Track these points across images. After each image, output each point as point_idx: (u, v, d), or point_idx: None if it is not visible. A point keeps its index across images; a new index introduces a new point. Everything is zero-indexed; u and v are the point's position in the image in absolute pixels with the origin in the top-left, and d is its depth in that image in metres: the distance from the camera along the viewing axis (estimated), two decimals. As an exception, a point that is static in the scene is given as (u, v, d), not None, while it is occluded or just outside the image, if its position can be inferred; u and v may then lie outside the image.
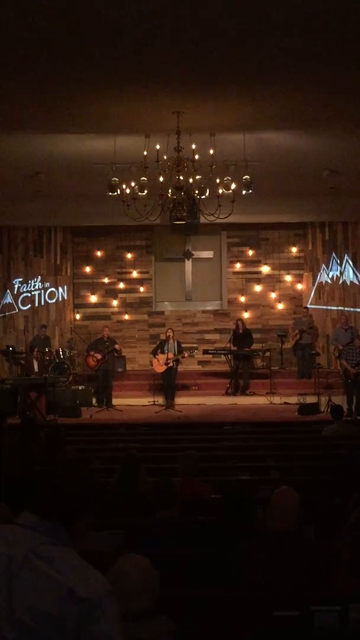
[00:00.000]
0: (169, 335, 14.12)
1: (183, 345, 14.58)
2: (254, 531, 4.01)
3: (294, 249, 16.63)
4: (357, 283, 15.92)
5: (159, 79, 7.85)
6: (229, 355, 15.11)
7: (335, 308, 16.02)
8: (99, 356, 14.15)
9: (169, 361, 13.86)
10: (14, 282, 16.07)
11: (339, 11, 6.08)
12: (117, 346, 14.16)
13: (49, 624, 1.81)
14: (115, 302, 16.61)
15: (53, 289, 16.25)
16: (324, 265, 16.24)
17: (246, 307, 16.55)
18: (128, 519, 4.75)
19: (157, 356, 14.08)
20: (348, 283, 15.96)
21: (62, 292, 16.31)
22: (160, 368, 13.99)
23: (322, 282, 16.29)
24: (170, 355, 13.89)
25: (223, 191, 9.33)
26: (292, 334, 15.49)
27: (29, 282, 16.14)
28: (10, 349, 15.06)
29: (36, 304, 16.17)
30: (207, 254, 16.60)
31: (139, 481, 5.53)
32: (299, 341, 15.30)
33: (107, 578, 2.04)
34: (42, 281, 16.20)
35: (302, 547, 3.80)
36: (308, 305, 16.27)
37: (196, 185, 9.36)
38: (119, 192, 9.93)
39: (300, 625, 3.23)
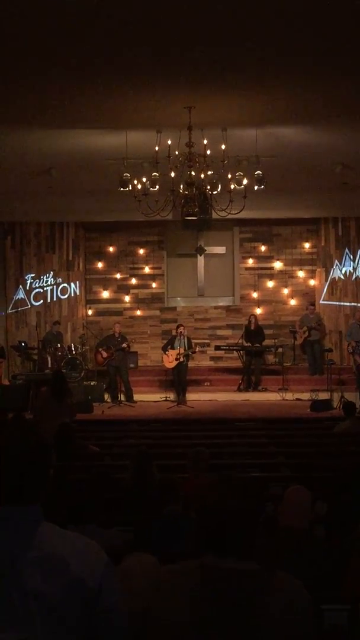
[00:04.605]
0: (180, 331, 14.12)
1: (195, 341, 14.57)
2: (264, 528, 3.99)
3: (307, 245, 16.55)
4: (370, 279, 15.84)
5: (171, 74, 7.82)
6: (241, 351, 15.07)
7: (348, 304, 15.93)
8: (105, 353, 14.17)
9: (179, 357, 13.85)
10: (26, 277, 16.09)
11: (353, 6, 6.03)
12: (124, 345, 14.11)
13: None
14: (127, 298, 16.60)
15: (65, 285, 16.27)
16: (336, 261, 16.15)
17: (258, 302, 16.50)
18: (138, 516, 4.74)
19: (167, 352, 14.08)
20: (361, 279, 15.87)
21: (74, 288, 16.33)
22: (170, 364, 13.99)
23: (334, 277, 16.20)
24: (181, 350, 13.88)
25: (235, 186, 9.30)
26: (299, 331, 15.42)
27: (41, 277, 16.16)
28: (23, 344, 15.12)
29: (48, 300, 16.20)
30: (220, 250, 16.56)
31: (150, 479, 5.52)
32: (308, 338, 15.25)
33: None
34: (54, 277, 16.22)
35: (312, 545, 3.78)
36: (321, 301, 16.21)
37: (208, 180, 9.34)
38: (130, 188, 9.92)
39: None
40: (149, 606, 1.86)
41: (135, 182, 9.64)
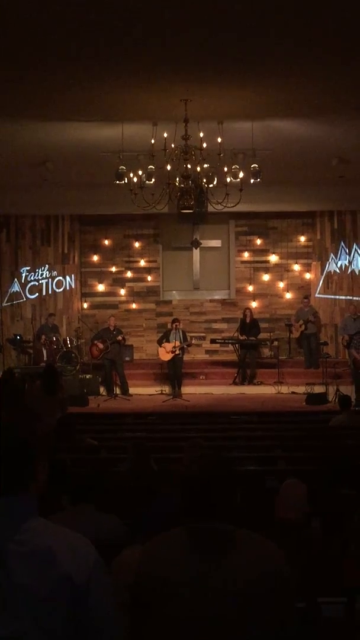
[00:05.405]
0: (175, 325, 14.12)
1: (190, 334, 14.59)
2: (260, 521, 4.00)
3: (303, 238, 16.54)
4: (366, 272, 15.85)
5: (167, 66, 7.80)
6: (237, 345, 15.08)
7: (343, 297, 15.95)
8: (101, 345, 14.17)
9: (175, 349, 13.86)
10: (21, 270, 16.06)
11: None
12: (119, 338, 14.12)
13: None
14: (122, 291, 16.58)
15: (60, 278, 16.24)
16: (332, 255, 16.15)
17: (254, 296, 16.50)
18: (136, 509, 4.74)
19: (162, 345, 14.09)
20: (357, 272, 15.86)
21: (69, 281, 16.30)
22: (166, 356, 14.00)
23: (330, 271, 16.21)
24: (177, 343, 13.89)
25: (231, 180, 9.29)
26: (295, 325, 15.44)
27: (37, 270, 16.13)
28: (18, 337, 15.10)
29: (44, 293, 16.17)
30: (215, 243, 16.54)
31: (147, 470, 5.53)
32: (304, 332, 15.28)
33: (110, 569, 2.01)
34: (49, 270, 16.18)
35: (309, 539, 3.79)
36: (316, 295, 16.23)
37: (204, 173, 9.32)
38: (126, 181, 9.90)
39: (306, 616, 3.22)
40: (140, 569, 2.03)
41: (131, 175, 9.61)
